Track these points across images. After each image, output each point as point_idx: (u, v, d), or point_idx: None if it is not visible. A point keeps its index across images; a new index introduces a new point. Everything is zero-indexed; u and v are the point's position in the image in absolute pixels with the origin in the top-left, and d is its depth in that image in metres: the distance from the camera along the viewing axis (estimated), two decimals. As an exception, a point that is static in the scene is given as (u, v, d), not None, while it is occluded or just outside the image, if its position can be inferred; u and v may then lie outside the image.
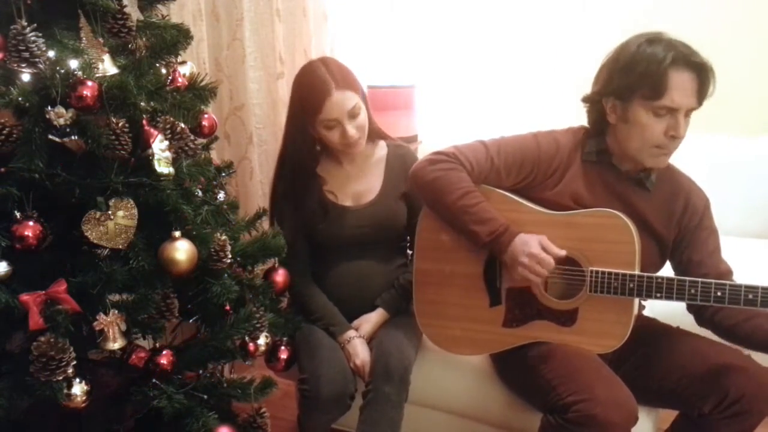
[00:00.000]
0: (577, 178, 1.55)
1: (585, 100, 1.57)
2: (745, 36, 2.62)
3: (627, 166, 1.55)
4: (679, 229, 1.57)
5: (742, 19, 2.63)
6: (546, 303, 1.55)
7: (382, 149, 1.90)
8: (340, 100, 1.68)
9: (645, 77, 1.41)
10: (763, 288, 1.36)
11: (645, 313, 1.68)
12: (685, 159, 2.64)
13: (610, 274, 1.46)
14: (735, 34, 2.62)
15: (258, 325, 1.55)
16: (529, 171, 1.56)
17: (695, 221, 1.56)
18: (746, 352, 1.51)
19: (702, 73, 1.41)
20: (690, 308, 1.55)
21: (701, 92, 1.42)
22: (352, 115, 1.71)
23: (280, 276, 1.72)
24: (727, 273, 1.55)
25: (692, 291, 1.40)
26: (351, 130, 1.71)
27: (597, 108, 1.54)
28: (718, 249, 1.58)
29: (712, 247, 1.57)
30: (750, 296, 1.36)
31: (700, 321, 1.57)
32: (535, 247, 1.47)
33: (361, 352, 1.72)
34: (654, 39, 1.43)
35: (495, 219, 1.51)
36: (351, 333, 1.76)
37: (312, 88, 1.70)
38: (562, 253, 1.48)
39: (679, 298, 1.42)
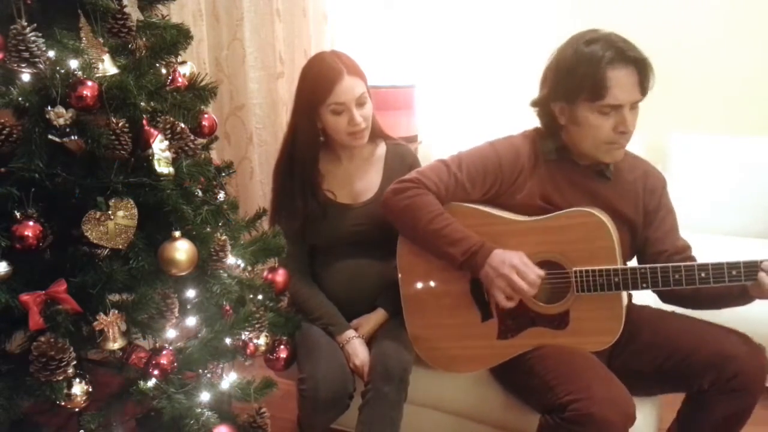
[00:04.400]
0: (543, 179, 1.57)
1: (534, 104, 1.60)
2: (746, 36, 2.62)
3: (585, 161, 1.57)
4: (642, 211, 1.60)
5: (742, 19, 2.63)
6: (537, 309, 1.56)
7: (381, 148, 1.90)
8: (350, 85, 1.71)
9: (585, 80, 1.44)
10: (746, 263, 1.39)
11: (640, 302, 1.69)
12: (685, 159, 2.66)
13: (593, 271, 1.47)
14: (735, 35, 2.62)
15: (258, 325, 1.55)
16: (494, 179, 1.58)
17: (655, 202, 1.60)
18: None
19: (640, 66, 1.44)
20: None
21: (642, 84, 1.45)
22: (360, 102, 1.74)
23: (280, 276, 1.72)
24: (685, 248, 1.59)
25: (677, 276, 1.42)
26: (358, 117, 1.73)
27: (546, 111, 1.56)
28: (676, 227, 1.62)
29: (670, 226, 1.61)
30: (734, 272, 1.39)
31: (664, 297, 1.62)
32: (516, 259, 1.48)
33: (360, 353, 1.72)
34: (591, 39, 1.46)
35: (468, 237, 1.52)
36: (350, 333, 1.76)
37: (323, 73, 1.73)
38: (541, 273, 1.48)
39: (665, 285, 1.44)
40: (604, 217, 1.50)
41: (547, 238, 1.52)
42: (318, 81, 1.73)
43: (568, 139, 1.56)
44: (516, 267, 1.46)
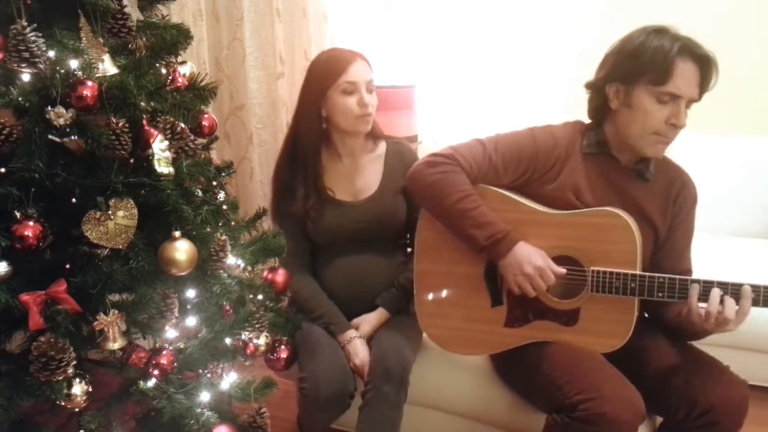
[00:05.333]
0: (577, 171, 1.56)
1: (588, 86, 1.58)
2: (746, 36, 2.63)
3: (625, 156, 1.56)
4: (669, 221, 1.58)
5: (743, 19, 2.63)
6: (548, 303, 1.55)
7: (381, 147, 1.91)
8: (362, 67, 1.76)
9: (652, 63, 1.43)
10: (765, 287, 1.35)
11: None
12: (686, 158, 2.65)
13: (611, 273, 1.46)
14: (736, 34, 2.62)
15: (258, 325, 1.55)
16: (527, 166, 1.57)
17: (682, 214, 1.59)
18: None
19: (705, 66, 1.44)
20: None
21: (703, 84, 1.45)
22: (369, 89, 1.77)
23: (280, 276, 1.72)
24: (687, 272, 1.57)
25: (692, 292, 1.39)
26: (368, 97, 1.75)
27: (599, 94, 1.54)
28: (689, 247, 1.61)
29: (684, 245, 1.60)
30: (753, 296, 1.36)
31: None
32: (541, 260, 1.48)
33: (361, 352, 1.72)
34: (660, 30, 1.46)
35: (494, 223, 1.51)
36: (351, 333, 1.76)
37: (335, 58, 1.78)
38: (563, 271, 1.49)
39: (681, 298, 1.42)
40: (631, 221, 1.48)
41: (569, 233, 1.52)
42: (330, 63, 1.77)
43: (612, 130, 1.54)
44: (541, 270, 1.47)
